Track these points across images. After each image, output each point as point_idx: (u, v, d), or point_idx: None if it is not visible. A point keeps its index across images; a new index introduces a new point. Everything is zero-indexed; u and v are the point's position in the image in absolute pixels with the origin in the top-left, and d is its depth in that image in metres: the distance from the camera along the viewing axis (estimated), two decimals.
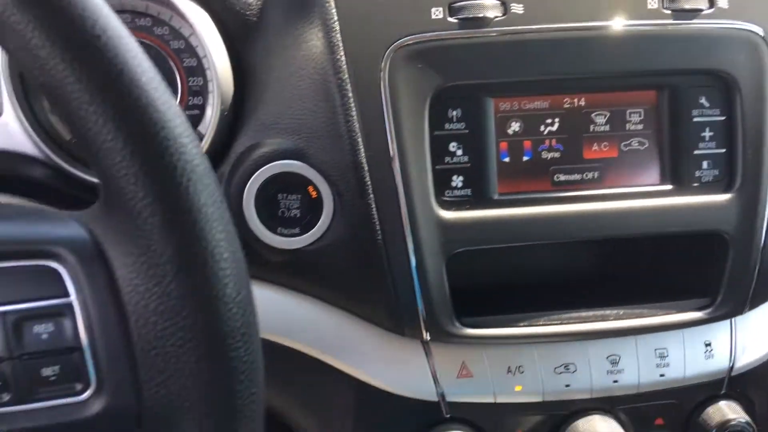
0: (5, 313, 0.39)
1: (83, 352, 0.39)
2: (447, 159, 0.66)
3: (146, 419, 0.39)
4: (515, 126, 0.67)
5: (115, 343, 0.39)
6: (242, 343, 0.39)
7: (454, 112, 0.65)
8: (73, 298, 0.39)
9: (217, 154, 0.70)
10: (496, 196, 0.66)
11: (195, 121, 0.71)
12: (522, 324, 0.68)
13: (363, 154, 0.63)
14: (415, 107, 0.63)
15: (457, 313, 0.67)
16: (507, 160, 0.67)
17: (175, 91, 0.70)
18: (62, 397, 0.39)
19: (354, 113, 0.63)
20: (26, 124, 0.66)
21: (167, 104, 0.38)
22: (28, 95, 0.67)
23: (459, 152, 0.66)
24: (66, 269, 0.39)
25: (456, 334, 0.67)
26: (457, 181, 0.66)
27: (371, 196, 0.63)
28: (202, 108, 0.71)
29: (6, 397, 0.38)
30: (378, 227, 0.63)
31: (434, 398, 0.70)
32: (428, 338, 0.68)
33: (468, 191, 0.66)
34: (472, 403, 0.70)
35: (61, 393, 0.39)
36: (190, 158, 0.38)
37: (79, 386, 0.39)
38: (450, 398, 0.70)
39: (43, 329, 0.39)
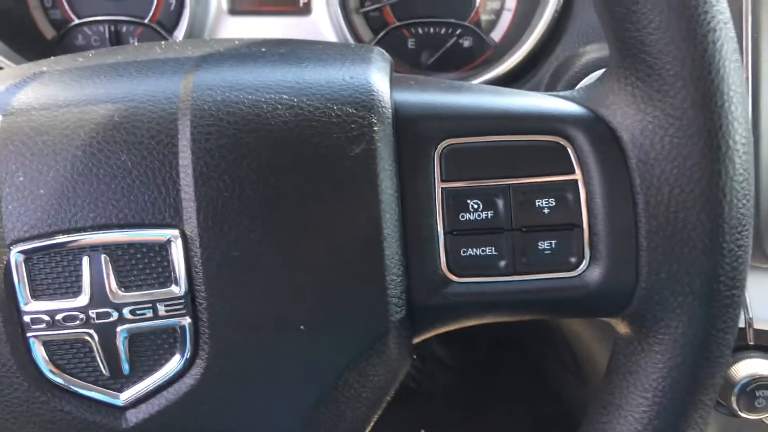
0: (512, 186, 0.39)
1: (582, 230, 0.39)
2: None
3: (637, 299, 0.39)
4: None
5: (618, 223, 0.38)
6: (746, 233, 0.38)
7: None
8: (578, 175, 0.39)
9: (534, 58, 0.68)
10: None
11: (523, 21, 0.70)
12: None
13: None
14: None
15: None
16: None
17: None
18: (555, 270, 0.39)
19: None
20: None
21: None
22: None
23: None
24: (573, 147, 0.39)
25: None
26: None
27: None
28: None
29: (502, 266, 0.39)
30: None
31: (741, 324, 0.68)
32: None
33: None
34: None
35: (555, 267, 0.39)
36: (722, 18, 0.36)
37: (573, 260, 0.39)
38: (758, 325, 0.68)
39: (545, 204, 0.39)
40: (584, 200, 0.39)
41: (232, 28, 0.78)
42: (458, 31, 0.79)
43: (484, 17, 0.79)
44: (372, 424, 0.42)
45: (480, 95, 0.41)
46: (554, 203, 0.39)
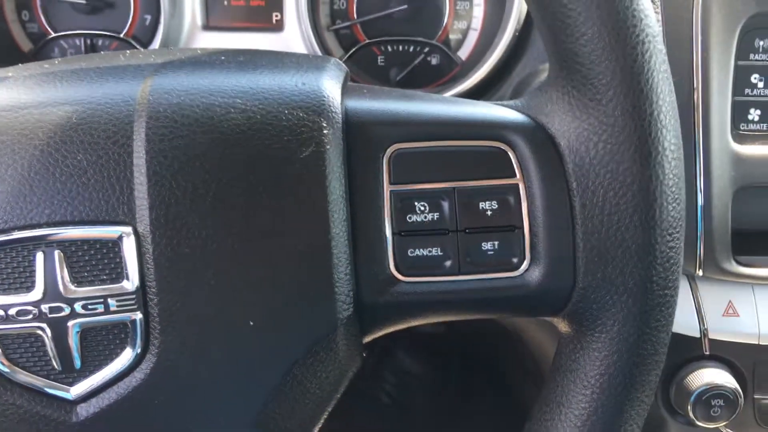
0: (457, 189, 0.40)
1: (522, 232, 0.40)
2: (747, 91, 0.64)
3: (576, 298, 0.40)
4: None
5: (556, 224, 0.40)
6: (677, 235, 0.39)
7: (761, 42, 0.64)
8: (519, 179, 0.40)
9: (497, 75, 0.70)
10: None
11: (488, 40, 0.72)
12: None
13: None
14: (724, 35, 0.62)
15: (734, 250, 0.66)
16: None
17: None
18: (498, 271, 0.40)
19: None
20: None
21: None
22: None
23: (761, 84, 0.64)
24: (515, 152, 0.40)
25: (731, 272, 0.66)
26: (754, 114, 0.65)
27: None
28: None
29: (447, 266, 0.40)
30: None
31: (696, 334, 0.70)
32: (700, 274, 0.67)
33: (764, 125, 0.65)
34: (734, 343, 0.70)
35: (497, 267, 0.40)
36: (651, 31, 0.38)
37: (514, 261, 0.40)
38: (712, 335, 0.70)
39: (488, 206, 0.40)
40: (525, 203, 0.40)
41: (206, 43, 0.80)
42: (426, 49, 0.82)
43: (451, 36, 0.82)
44: (321, 421, 0.43)
45: (428, 103, 0.43)
46: (496, 206, 0.40)
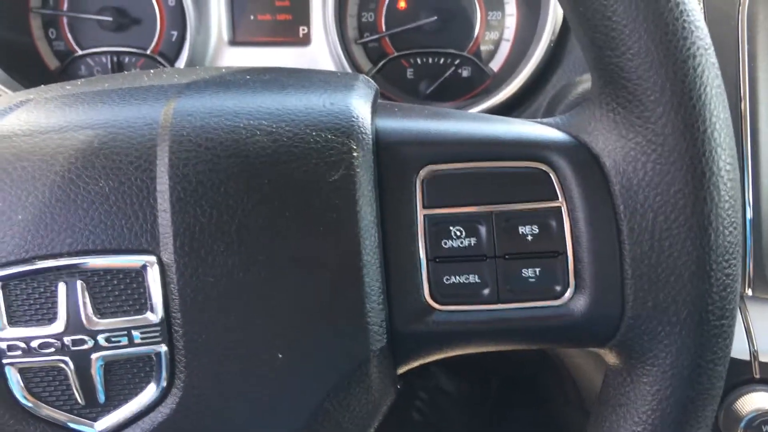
0: (494, 213, 0.38)
1: (566, 257, 0.38)
2: None
3: (624, 328, 0.38)
4: None
5: (603, 250, 0.37)
6: (734, 261, 0.37)
7: None
8: (561, 202, 0.38)
9: (531, 87, 0.68)
10: None
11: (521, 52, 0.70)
12: None
13: None
14: None
15: None
16: None
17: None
18: (540, 299, 0.38)
19: None
20: None
21: None
22: None
23: None
24: (556, 174, 0.38)
25: None
26: None
27: None
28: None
29: (486, 294, 0.38)
30: None
31: (745, 357, 0.66)
32: (750, 293, 0.64)
33: None
34: None
35: (539, 295, 0.38)
36: (702, 43, 0.35)
37: (557, 288, 0.38)
38: (763, 358, 0.66)
39: (528, 231, 0.38)
40: (568, 227, 0.38)
41: (232, 58, 0.79)
42: (457, 61, 0.80)
43: (482, 47, 0.80)
44: None
45: (462, 122, 0.41)
46: (537, 230, 0.38)
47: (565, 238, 0.38)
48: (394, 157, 0.39)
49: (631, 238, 0.37)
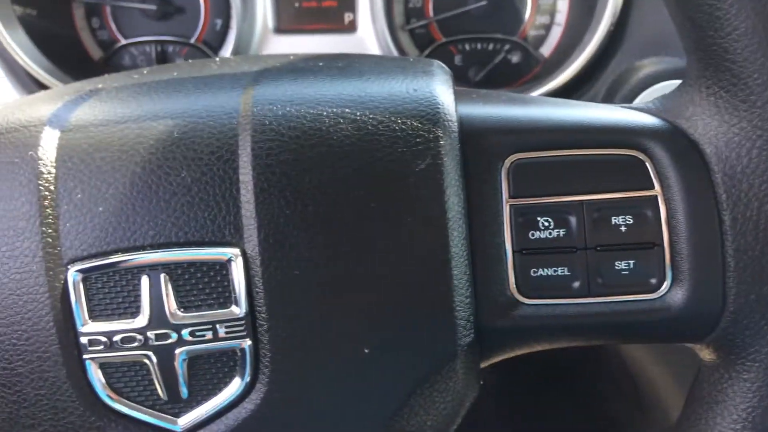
0: (586, 202, 0.37)
1: (662, 249, 0.36)
2: None
3: (725, 323, 0.36)
4: None
5: (702, 241, 0.36)
6: None
7: None
8: (658, 191, 0.36)
9: (588, 73, 0.66)
10: None
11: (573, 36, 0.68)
12: None
13: None
14: None
15: None
16: None
17: None
18: (634, 293, 0.37)
19: None
20: None
21: None
22: None
23: None
24: (652, 161, 0.37)
25: None
26: None
27: None
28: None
29: (576, 287, 0.37)
30: None
31: None
32: None
33: None
34: None
35: (633, 289, 0.37)
36: None
37: (653, 281, 0.37)
38: None
39: (622, 221, 0.36)
40: (665, 217, 0.36)
41: (277, 46, 0.78)
42: (506, 47, 0.78)
43: (532, 32, 0.78)
44: None
45: (548, 107, 0.39)
46: (632, 221, 0.36)
47: (661, 228, 0.36)
48: (478, 145, 0.37)
49: (734, 229, 0.35)
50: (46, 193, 0.35)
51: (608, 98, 0.65)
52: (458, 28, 0.78)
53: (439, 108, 0.37)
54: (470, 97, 0.40)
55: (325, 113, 0.36)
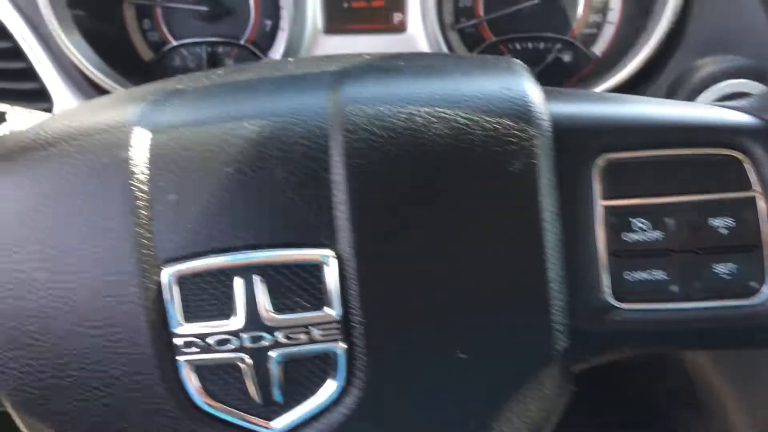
0: (682, 204, 0.36)
1: (762, 252, 0.36)
2: None
3: None
4: None
5: None
6: None
7: None
8: (758, 192, 0.36)
9: (645, 73, 0.65)
10: None
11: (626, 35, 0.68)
12: None
13: None
14: None
15: None
16: None
17: None
18: (733, 297, 0.36)
19: None
20: None
21: None
22: None
23: None
24: (752, 161, 0.36)
25: None
26: None
27: None
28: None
29: (674, 291, 0.36)
30: None
31: None
32: None
33: None
34: None
35: (733, 292, 0.36)
36: None
37: (753, 285, 0.36)
38: None
39: (720, 223, 0.36)
40: (765, 218, 0.36)
41: (327, 47, 0.77)
42: (558, 46, 0.77)
43: (584, 31, 0.77)
44: None
45: (640, 105, 0.39)
46: (732, 222, 0.36)
47: (761, 230, 0.36)
48: (570, 145, 0.37)
49: None
50: (140, 194, 0.35)
51: (669, 98, 0.64)
52: (508, 28, 0.77)
53: (531, 107, 0.36)
54: (558, 95, 0.40)
55: (417, 112, 0.36)
